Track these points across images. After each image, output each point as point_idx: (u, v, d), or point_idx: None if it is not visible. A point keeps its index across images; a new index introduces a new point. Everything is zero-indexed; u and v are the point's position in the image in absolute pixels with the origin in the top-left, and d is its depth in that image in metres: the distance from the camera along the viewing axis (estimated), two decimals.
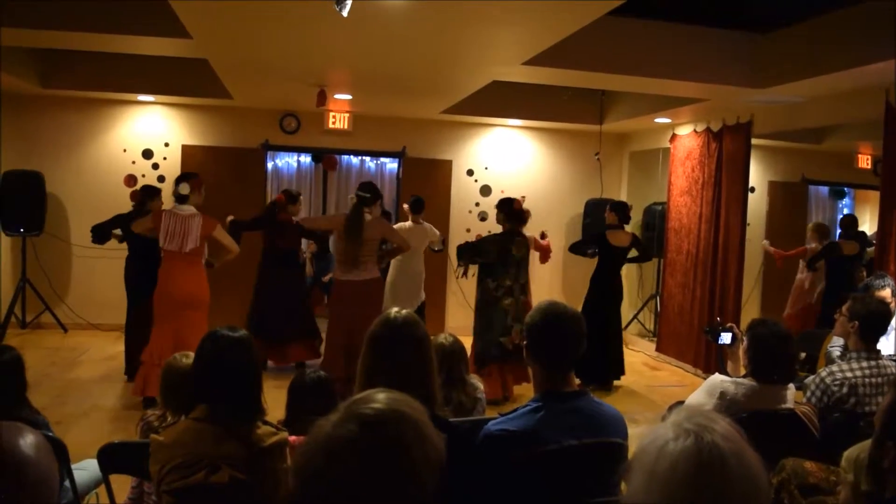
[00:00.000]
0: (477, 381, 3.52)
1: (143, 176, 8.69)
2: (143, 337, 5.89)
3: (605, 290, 7.04)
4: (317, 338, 7.16)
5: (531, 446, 2.22)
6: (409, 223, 7.26)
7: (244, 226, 7.02)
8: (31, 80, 7.61)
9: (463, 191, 9.55)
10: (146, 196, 6.67)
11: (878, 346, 3.47)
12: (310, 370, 3.34)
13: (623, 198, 9.54)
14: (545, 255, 7.25)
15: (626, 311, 9.47)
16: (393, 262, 7.15)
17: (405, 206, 7.44)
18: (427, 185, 9.01)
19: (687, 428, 1.25)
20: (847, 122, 7.27)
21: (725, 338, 3.58)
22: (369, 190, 6.30)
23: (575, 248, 7.28)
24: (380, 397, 1.35)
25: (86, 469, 3.17)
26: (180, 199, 5.76)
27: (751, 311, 8.52)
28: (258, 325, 6.74)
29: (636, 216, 9.58)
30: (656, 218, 9.06)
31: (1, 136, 7.91)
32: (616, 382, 7.15)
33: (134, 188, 8.32)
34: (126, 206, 7.83)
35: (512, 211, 6.53)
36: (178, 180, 5.89)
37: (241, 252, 7.05)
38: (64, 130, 8.61)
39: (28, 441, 1.37)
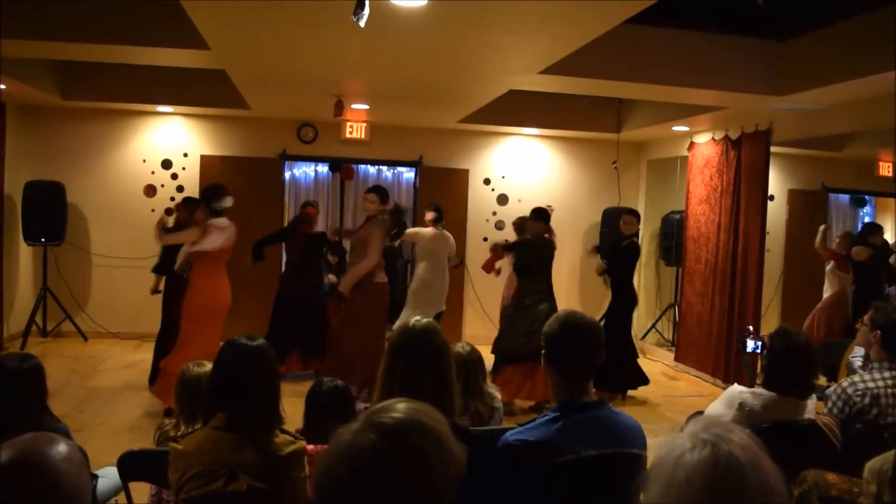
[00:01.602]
0: (494, 391, 3.51)
1: (163, 186, 8.80)
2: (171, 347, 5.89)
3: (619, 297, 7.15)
4: (323, 348, 7.09)
5: (549, 456, 2.20)
6: (430, 229, 7.32)
7: (270, 239, 7.28)
8: (51, 91, 7.72)
9: (480, 200, 9.55)
10: (191, 207, 6.28)
11: None
12: (327, 379, 3.33)
13: (641, 206, 9.51)
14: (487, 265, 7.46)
15: (645, 321, 9.43)
16: (418, 271, 7.20)
17: (430, 214, 7.43)
18: (444, 194, 9.02)
19: (704, 438, 1.25)
20: (867, 129, 7.18)
21: (753, 346, 3.56)
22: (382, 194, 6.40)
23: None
24: (400, 407, 1.35)
25: (105, 476, 3.20)
26: (221, 210, 5.78)
27: (771, 319, 8.45)
28: (270, 334, 6.76)
29: (654, 224, 9.54)
30: (674, 227, 9.01)
31: (21, 147, 8.02)
32: (632, 392, 7.06)
33: (155, 197, 8.41)
34: (145, 215, 7.90)
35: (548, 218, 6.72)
36: (216, 192, 5.85)
37: (264, 263, 7.16)
38: (84, 141, 8.71)
39: (62, 453, 1.38)
